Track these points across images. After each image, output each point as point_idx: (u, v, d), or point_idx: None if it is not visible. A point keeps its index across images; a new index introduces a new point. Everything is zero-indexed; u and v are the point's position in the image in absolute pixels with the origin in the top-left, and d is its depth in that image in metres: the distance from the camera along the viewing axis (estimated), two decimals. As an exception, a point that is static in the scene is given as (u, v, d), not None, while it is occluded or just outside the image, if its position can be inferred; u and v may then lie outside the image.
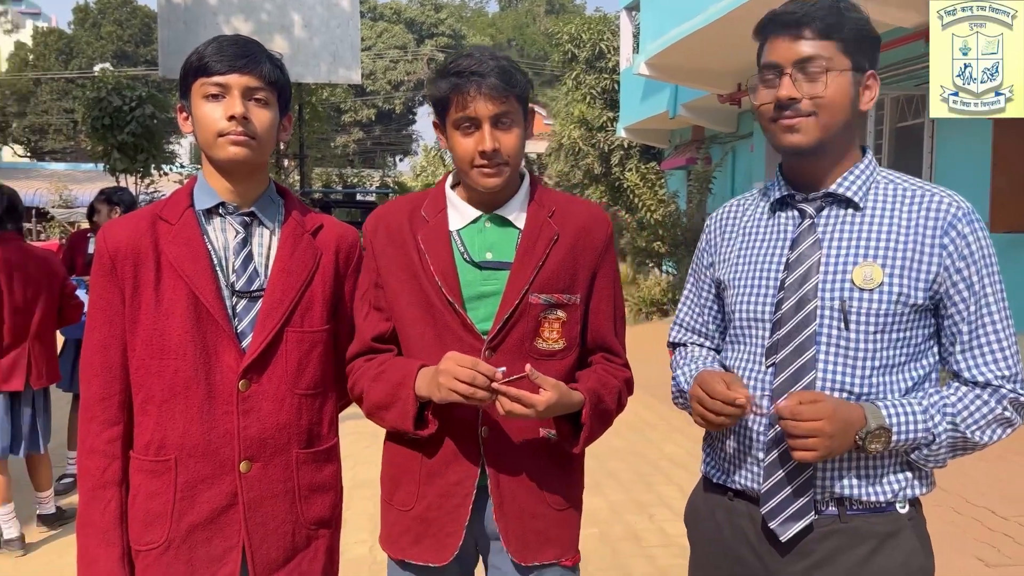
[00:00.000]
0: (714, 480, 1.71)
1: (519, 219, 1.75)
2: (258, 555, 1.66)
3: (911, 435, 1.48)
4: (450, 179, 1.82)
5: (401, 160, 43.91)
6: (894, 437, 1.47)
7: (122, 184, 12.52)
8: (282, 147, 12.64)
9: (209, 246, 1.65)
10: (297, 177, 12.26)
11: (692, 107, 13.93)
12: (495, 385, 1.55)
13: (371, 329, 1.77)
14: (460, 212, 1.76)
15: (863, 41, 1.53)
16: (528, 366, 1.57)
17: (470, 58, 1.65)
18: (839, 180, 1.58)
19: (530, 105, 1.75)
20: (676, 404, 1.84)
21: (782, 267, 1.60)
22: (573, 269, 1.73)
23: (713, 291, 1.78)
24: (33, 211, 25.30)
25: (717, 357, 1.79)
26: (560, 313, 1.72)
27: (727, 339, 1.73)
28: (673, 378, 1.83)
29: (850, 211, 1.57)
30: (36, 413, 4.18)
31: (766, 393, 1.57)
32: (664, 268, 14.58)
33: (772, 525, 1.55)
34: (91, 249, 4.93)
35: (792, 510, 1.54)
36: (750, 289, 1.64)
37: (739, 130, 14.21)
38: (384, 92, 39.93)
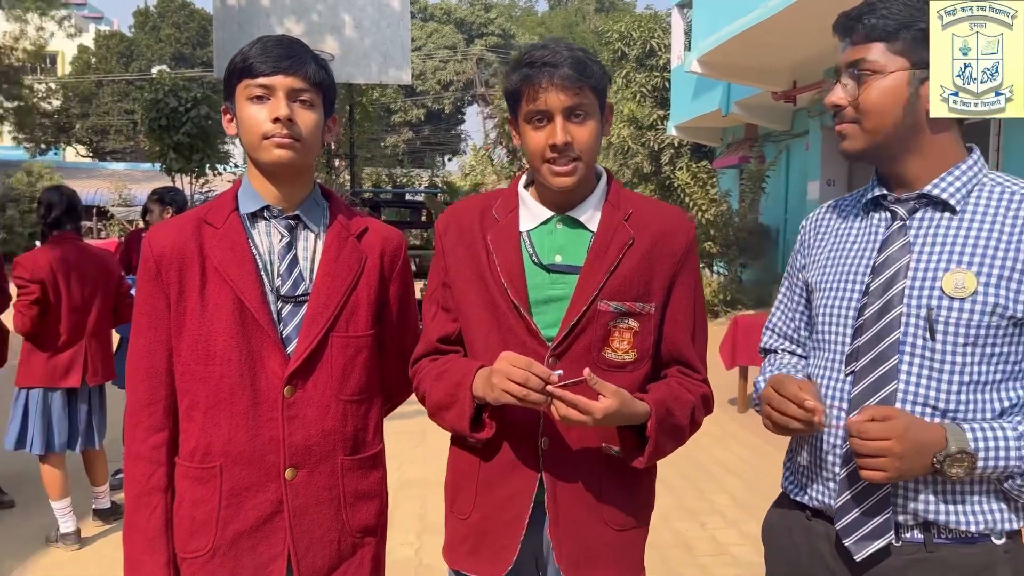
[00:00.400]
0: (792, 496, 1.63)
1: (592, 221, 1.66)
2: (304, 563, 1.63)
3: (1000, 462, 1.36)
4: (524, 179, 1.75)
5: (450, 160, 44.18)
6: (979, 463, 1.36)
7: (177, 184, 12.82)
8: (333, 147, 12.79)
9: (254, 250, 1.63)
10: (348, 177, 12.40)
11: (745, 105, 13.69)
12: (550, 388, 1.46)
13: (438, 330, 1.73)
14: (532, 212, 1.69)
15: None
16: (587, 370, 1.48)
17: (544, 49, 1.57)
18: (936, 181, 1.47)
19: (608, 101, 1.66)
20: (757, 412, 1.74)
21: (869, 270, 1.51)
22: (648, 276, 1.64)
23: (805, 295, 1.70)
24: (94, 210, 26.10)
25: (806, 365, 1.70)
26: (632, 322, 1.62)
27: (811, 344, 1.65)
28: (755, 386, 1.74)
29: (946, 214, 1.47)
30: (92, 410, 4.26)
31: (843, 404, 1.49)
32: (715, 269, 14.37)
33: (847, 543, 1.47)
34: (145, 248, 5.04)
35: (868, 528, 1.45)
36: (834, 292, 1.56)
37: (794, 128, 13.92)
38: (434, 92, 40.19)
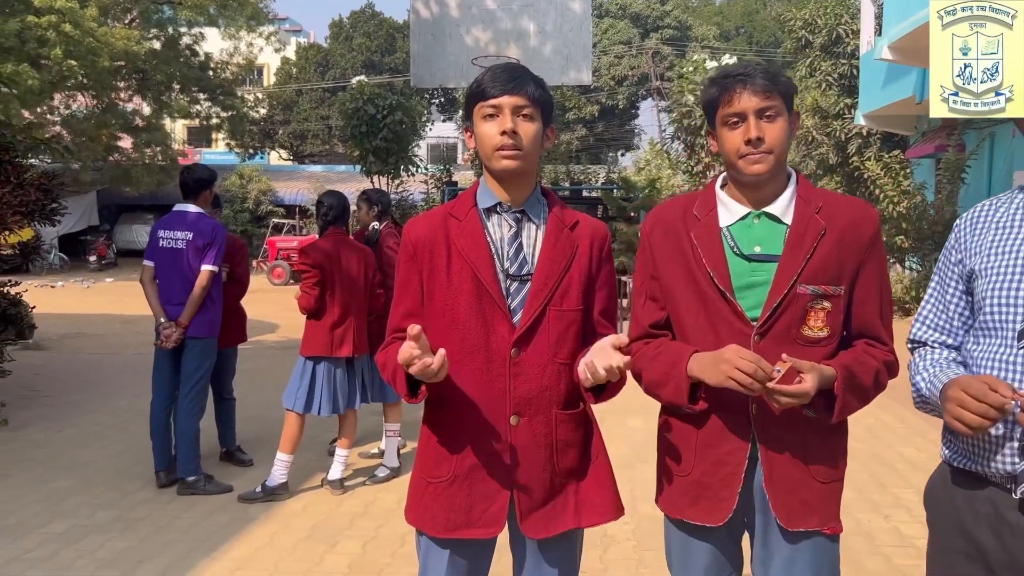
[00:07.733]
0: (955, 465, 1.75)
1: (787, 215, 1.90)
2: (522, 496, 1.97)
3: None
4: (720, 180, 2.02)
5: (623, 155, 44.04)
6: None
7: (376, 184, 13.88)
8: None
9: (488, 238, 1.98)
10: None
11: (942, 90, 12.89)
12: (771, 385, 1.72)
13: (648, 317, 2.05)
14: (729, 210, 1.95)
15: None
16: (784, 356, 1.74)
17: (737, 67, 1.88)
18: None
19: (795, 109, 1.90)
20: (917, 408, 1.87)
21: None
22: (839, 261, 1.87)
23: (960, 287, 1.80)
24: (296, 208, 28.45)
25: (959, 359, 1.80)
26: (826, 303, 1.86)
27: (973, 330, 1.76)
28: (913, 383, 1.85)
29: None
30: (355, 375, 4.95)
31: (1020, 377, 1.60)
32: (907, 265, 13.64)
33: None
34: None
35: None
36: (1005, 276, 1.67)
37: (998, 113, 12.95)
38: (607, 88, 40.27)
